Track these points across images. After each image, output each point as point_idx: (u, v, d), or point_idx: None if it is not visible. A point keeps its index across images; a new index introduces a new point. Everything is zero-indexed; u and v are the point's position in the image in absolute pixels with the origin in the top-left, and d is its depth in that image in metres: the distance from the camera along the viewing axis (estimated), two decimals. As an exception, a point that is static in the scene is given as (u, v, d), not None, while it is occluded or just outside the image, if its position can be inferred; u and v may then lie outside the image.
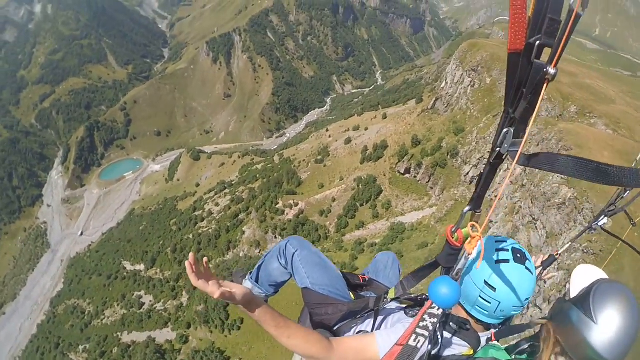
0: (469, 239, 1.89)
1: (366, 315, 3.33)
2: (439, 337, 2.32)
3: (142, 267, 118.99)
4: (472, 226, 1.89)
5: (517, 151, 1.47)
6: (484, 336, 2.70)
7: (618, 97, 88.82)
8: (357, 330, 3.28)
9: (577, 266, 2.53)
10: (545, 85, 1.30)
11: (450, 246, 2.04)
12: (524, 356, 2.41)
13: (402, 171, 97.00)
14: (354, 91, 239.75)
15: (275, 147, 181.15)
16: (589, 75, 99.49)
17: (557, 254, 3.17)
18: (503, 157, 1.60)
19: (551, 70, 1.23)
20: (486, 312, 2.53)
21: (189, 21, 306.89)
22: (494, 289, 2.38)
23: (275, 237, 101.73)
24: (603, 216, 3.22)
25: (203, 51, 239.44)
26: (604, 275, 2.41)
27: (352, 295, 3.83)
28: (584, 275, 2.42)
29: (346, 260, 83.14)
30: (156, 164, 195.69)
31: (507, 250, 2.45)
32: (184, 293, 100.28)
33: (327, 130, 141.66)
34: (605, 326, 1.93)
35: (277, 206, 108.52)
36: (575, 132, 63.59)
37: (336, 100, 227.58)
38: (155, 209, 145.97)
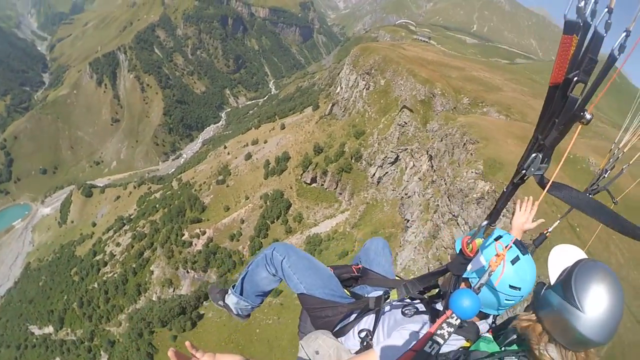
0: (495, 257, 1.98)
1: (367, 314, 3.26)
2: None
3: (50, 329, 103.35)
4: (499, 245, 2.10)
5: (541, 174, 1.63)
6: (480, 325, 2.73)
7: (504, 84, 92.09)
8: (358, 330, 3.19)
9: (554, 247, 2.41)
10: (579, 126, 1.39)
11: (464, 256, 2.07)
12: (514, 346, 2.38)
13: (309, 181, 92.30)
14: (248, 103, 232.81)
15: (173, 170, 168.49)
16: (474, 67, 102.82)
17: (547, 232, 3.03)
18: (525, 178, 1.65)
19: (587, 116, 1.32)
20: (504, 309, 2.61)
21: (71, 41, 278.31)
22: (519, 289, 2.46)
23: (188, 272, 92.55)
24: (587, 194, 2.95)
25: (86, 73, 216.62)
26: (581, 253, 2.34)
27: (348, 292, 3.62)
28: (562, 256, 2.31)
29: None
30: (46, 206, 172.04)
31: (512, 246, 2.51)
32: (101, 352, 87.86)
33: (225, 148, 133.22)
34: (591, 312, 1.92)
35: (183, 238, 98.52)
36: (475, 124, 63.07)
37: (231, 114, 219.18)
38: (52, 259, 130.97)
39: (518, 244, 2.61)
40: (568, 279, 2.07)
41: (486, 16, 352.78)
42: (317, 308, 3.45)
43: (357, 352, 3.14)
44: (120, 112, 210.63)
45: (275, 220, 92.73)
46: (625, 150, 2.81)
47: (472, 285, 2.30)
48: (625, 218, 1.60)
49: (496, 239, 2.60)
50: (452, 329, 2.01)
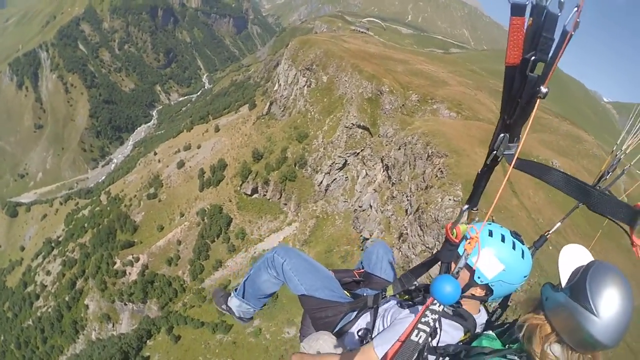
0: (468, 239, 1.97)
1: (366, 312, 3.22)
2: (438, 327, 2.38)
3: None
4: (471, 228, 1.97)
5: (512, 154, 1.58)
6: (478, 318, 2.69)
7: (449, 77, 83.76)
8: (358, 329, 3.17)
9: (563, 247, 2.30)
10: (537, 101, 1.36)
11: (450, 242, 2.03)
12: (517, 344, 2.29)
13: (249, 192, 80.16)
14: (180, 99, 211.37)
15: (103, 178, 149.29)
16: (417, 60, 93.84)
17: (547, 234, 2.94)
18: (498, 160, 1.66)
19: (543, 89, 1.30)
20: (495, 295, 2.63)
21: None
22: (527, 276, 2.54)
23: (125, 305, 79.73)
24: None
25: (5, 76, 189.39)
26: (589, 255, 2.27)
27: (348, 294, 3.61)
28: (571, 257, 2.24)
29: (215, 316, 66.77)
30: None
31: (515, 241, 2.56)
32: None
33: (156, 154, 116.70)
34: (605, 316, 1.87)
35: (115, 267, 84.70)
36: (438, 132, 53.73)
37: (163, 111, 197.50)
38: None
39: (516, 236, 2.62)
40: (582, 282, 1.96)
41: (420, 7, 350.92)
42: (317, 309, 3.35)
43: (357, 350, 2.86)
44: (43, 117, 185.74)
45: (215, 239, 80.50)
46: (627, 152, 2.64)
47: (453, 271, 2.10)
48: (600, 193, 1.50)
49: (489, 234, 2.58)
50: (436, 315, 1.92)
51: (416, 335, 1.94)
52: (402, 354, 1.94)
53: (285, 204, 75.77)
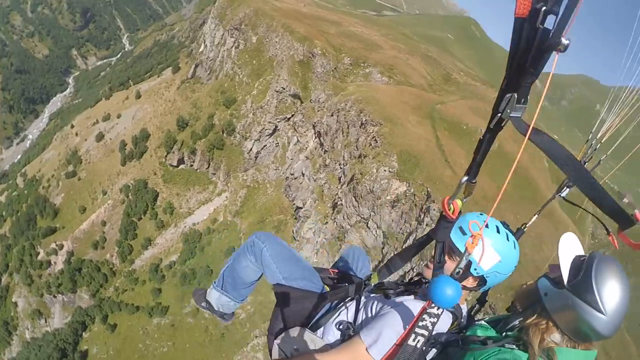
0: (472, 238, 1.81)
1: (346, 304, 2.92)
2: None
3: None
4: (474, 225, 1.95)
5: (518, 116, 1.39)
6: (463, 308, 2.60)
7: (382, 41, 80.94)
8: (338, 321, 2.81)
9: (561, 238, 2.25)
10: (556, 54, 1.18)
11: (446, 219, 1.87)
12: (514, 332, 2.27)
13: (175, 163, 73.96)
14: (99, 63, 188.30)
15: (19, 157, 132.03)
16: (351, 22, 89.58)
17: (524, 227, 2.85)
18: (502, 124, 1.44)
19: (564, 41, 1.12)
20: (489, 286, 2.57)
21: None
22: (516, 266, 2.46)
23: (55, 297, 72.66)
24: (565, 187, 3.10)
25: None
26: (579, 243, 2.25)
27: (327, 288, 3.31)
28: (569, 248, 2.20)
29: (149, 298, 63.39)
30: None
31: (507, 232, 2.45)
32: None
33: (73, 127, 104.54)
34: (611, 313, 1.90)
35: (38, 258, 76.08)
36: (372, 99, 50.84)
37: (80, 78, 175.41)
38: None
39: (507, 226, 2.50)
40: (588, 280, 1.95)
41: None
42: (294, 299, 3.03)
43: (339, 344, 2.63)
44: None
45: (142, 216, 74.49)
46: (602, 142, 2.69)
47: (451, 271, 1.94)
48: (597, 182, 1.39)
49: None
50: (435, 319, 1.86)
51: (413, 340, 1.88)
52: (399, 359, 1.88)
53: (214, 174, 70.78)
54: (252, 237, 3.28)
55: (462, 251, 1.94)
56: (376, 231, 38.84)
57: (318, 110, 57.39)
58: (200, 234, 66.68)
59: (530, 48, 1.18)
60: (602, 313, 1.90)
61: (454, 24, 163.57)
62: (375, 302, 2.71)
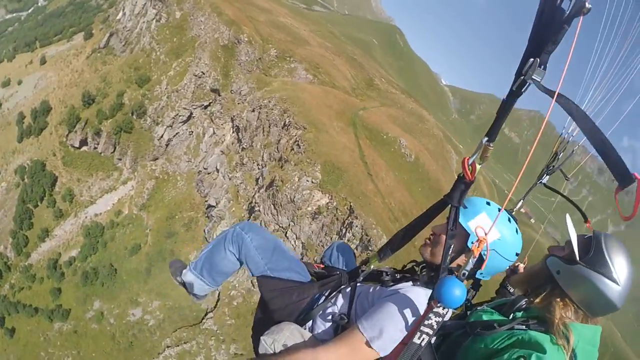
0: (477, 242, 1.84)
1: (339, 294, 2.57)
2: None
3: None
4: (480, 230, 1.86)
5: (540, 80, 1.42)
6: None
7: (310, 37, 75.70)
8: (330, 313, 2.49)
9: (567, 217, 2.24)
10: (580, 20, 1.26)
11: (464, 180, 1.82)
12: (521, 313, 2.12)
13: (77, 144, 63.60)
14: (8, 17, 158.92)
15: None
16: (281, 12, 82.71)
17: (512, 212, 2.68)
18: (523, 88, 1.47)
19: (587, 5, 1.19)
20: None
21: None
22: (518, 255, 2.25)
23: None
24: (545, 174, 3.16)
25: None
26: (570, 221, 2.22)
27: (315, 279, 2.92)
28: (573, 228, 2.13)
29: (48, 299, 54.57)
30: None
31: (510, 217, 2.25)
32: None
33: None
34: (624, 284, 1.90)
35: None
36: (297, 99, 45.55)
37: None
38: None
39: (510, 213, 2.28)
40: (601, 253, 1.92)
41: None
42: (280, 291, 2.63)
43: (333, 337, 2.32)
44: None
45: (39, 203, 63.21)
46: (574, 134, 2.76)
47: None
48: (607, 139, 1.44)
49: (487, 204, 2.22)
50: (440, 319, 1.81)
51: (419, 338, 1.82)
52: (404, 357, 1.82)
53: (120, 159, 61.65)
54: (235, 227, 2.85)
55: (468, 231, 1.99)
56: (295, 242, 35.98)
57: (238, 103, 51.27)
58: (103, 227, 57.87)
59: (552, 20, 1.26)
60: (616, 283, 1.87)
61: (380, 29, 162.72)
62: (372, 291, 2.37)
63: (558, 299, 2.01)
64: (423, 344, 1.82)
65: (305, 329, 2.51)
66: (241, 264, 2.91)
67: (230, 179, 47.37)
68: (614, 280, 1.88)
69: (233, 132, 50.03)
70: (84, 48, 78.49)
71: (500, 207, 2.18)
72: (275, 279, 2.71)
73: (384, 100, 71.30)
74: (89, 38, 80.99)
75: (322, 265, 3.23)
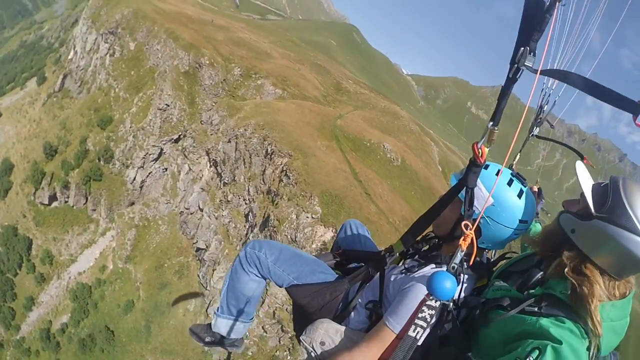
0: (464, 236, 1.68)
1: (369, 281, 2.44)
2: (463, 283, 1.92)
3: None
4: (466, 225, 1.68)
5: (531, 65, 1.43)
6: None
7: (272, 49, 68.48)
8: (363, 303, 2.36)
9: (577, 165, 1.89)
10: (557, 4, 1.31)
11: (476, 163, 1.73)
12: (537, 289, 1.78)
13: (46, 201, 55.43)
14: None
15: None
16: (238, 27, 74.93)
17: (512, 166, 2.63)
18: (518, 75, 1.48)
19: None
20: (506, 243, 2.09)
21: None
22: (526, 222, 1.99)
23: None
24: (535, 127, 3.08)
25: None
26: (584, 168, 1.89)
27: (340, 273, 2.75)
28: (586, 176, 1.82)
29: None
30: None
31: (512, 179, 2.02)
32: None
33: None
34: None
35: None
36: (275, 123, 38.53)
37: None
38: None
39: (518, 176, 2.07)
40: (620, 203, 1.55)
41: None
42: (312, 295, 2.46)
43: (367, 329, 2.25)
44: None
45: (18, 271, 54.62)
46: (553, 88, 2.68)
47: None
48: (603, 86, 1.39)
49: (497, 174, 2.01)
50: (433, 312, 1.71)
51: (413, 331, 1.72)
52: (400, 351, 1.72)
53: (94, 210, 53.59)
54: (245, 249, 2.66)
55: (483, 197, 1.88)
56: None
57: (211, 134, 44.15)
58: (90, 287, 50.04)
59: (536, 11, 1.33)
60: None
61: (336, 30, 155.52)
62: (397, 278, 2.21)
63: (580, 263, 1.62)
64: (419, 336, 1.69)
65: (342, 324, 2.34)
66: (265, 278, 2.67)
67: (216, 217, 40.57)
68: (638, 233, 1.50)
69: (211, 166, 43.06)
70: (39, 94, 69.01)
71: (499, 168, 2.00)
72: (304, 285, 2.51)
73: (355, 103, 65.28)
74: (42, 83, 71.33)
75: (339, 252, 2.91)
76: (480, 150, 1.66)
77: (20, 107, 69.20)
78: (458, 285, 1.68)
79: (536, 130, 3.12)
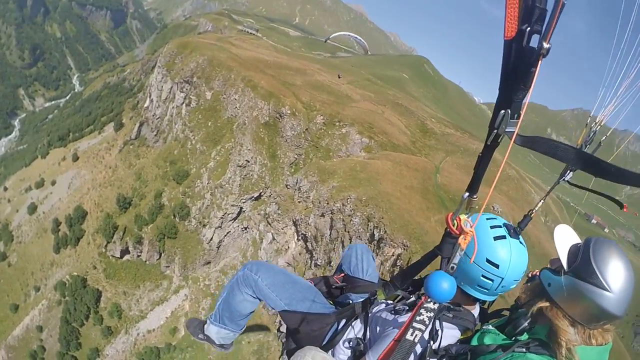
0: (463, 235, 1.62)
1: (355, 321, 2.51)
2: (439, 329, 1.90)
3: None
4: (465, 222, 1.63)
5: (514, 132, 1.32)
6: (475, 313, 2.19)
7: (351, 90, 60.85)
8: (348, 339, 2.44)
9: (555, 229, 1.95)
10: (540, 61, 1.14)
11: (450, 235, 1.67)
12: (525, 335, 1.86)
13: (118, 254, 50.02)
14: (47, 105, 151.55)
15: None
16: (314, 68, 68.59)
17: (531, 213, 2.39)
18: (499, 140, 1.37)
19: (545, 45, 1.10)
20: (487, 290, 2.00)
21: None
22: (496, 265, 1.92)
23: None
24: (568, 171, 2.63)
25: None
26: (574, 233, 1.95)
27: (332, 303, 2.86)
28: (565, 238, 1.89)
29: None
30: None
31: (501, 226, 1.98)
32: None
33: (6, 189, 75.75)
34: (617, 290, 1.62)
35: None
36: (378, 196, 30.59)
37: (27, 120, 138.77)
38: None
39: (509, 227, 2.00)
40: (587, 261, 1.65)
41: (308, 9, 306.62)
42: (302, 323, 2.55)
43: None
44: None
45: (84, 322, 50.01)
46: (601, 125, 2.35)
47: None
48: (606, 162, 1.32)
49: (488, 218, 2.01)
50: (431, 314, 1.69)
51: (411, 335, 1.69)
52: (398, 353, 1.68)
53: (168, 267, 47.80)
54: (244, 270, 2.70)
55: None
56: None
57: (299, 202, 36.60)
58: (159, 351, 43.82)
59: (519, 66, 1.15)
60: (608, 291, 1.59)
61: (407, 63, 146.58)
62: (384, 318, 2.27)
63: (554, 312, 1.73)
64: (416, 340, 1.66)
65: (329, 353, 2.37)
66: (260, 299, 2.70)
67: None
68: (604, 288, 1.59)
69: (299, 239, 35.45)
70: (116, 140, 66.25)
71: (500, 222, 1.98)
72: (294, 312, 2.54)
73: (444, 147, 56.03)
74: (119, 129, 68.81)
75: (342, 275, 2.94)
76: (455, 222, 1.57)
77: (97, 152, 66.67)
78: (456, 288, 1.58)
79: (569, 176, 2.41)
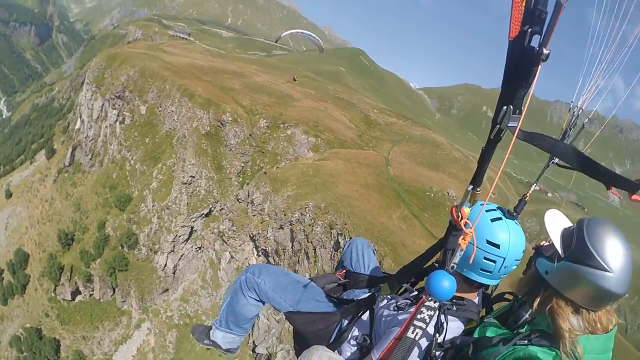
0: (463, 235, 1.60)
1: (360, 317, 2.39)
2: (444, 322, 1.81)
3: None
4: (466, 224, 1.58)
5: (516, 127, 1.33)
6: (476, 301, 2.11)
7: (291, 90, 57.07)
8: (355, 336, 2.32)
9: (545, 215, 1.85)
10: (539, 65, 1.18)
11: (455, 227, 1.64)
12: (525, 327, 1.76)
13: (69, 297, 44.03)
14: None
15: None
16: (251, 70, 63.70)
17: (525, 197, 2.27)
18: (501, 135, 1.38)
19: (545, 51, 1.14)
20: (490, 273, 1.91)
21: None
22: (497, 245, 1.85)
23: None
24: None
25: None
26: (565, 217, 1.86)
27: (336, 301, 2.66)
28: (556, 223, 1.81)
29: None
30: None
31: (495, 209, 1.93)
32: None
33: None
34: (616, 268, 1.55)
35: None
36: (339, 202, 27.51)
37: None
38: None
39: (503, 210, 1.95)
40: (582, 243, 1.57)
41: (240, 9, 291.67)
42: (307, 323, 2.47)
43: (359, 356, 2.27)
44: None
45: (48, 378, 43.11)
46: (583, 109, 2.33)
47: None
48: (597, 163, 1.35)
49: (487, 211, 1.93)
50: (432, 312, 1.67)
51: (412, 332, 1.66)
52: (399, 352, 1.65)
53: (124, 301, 42.68)
54: (246, 273, 2.61)
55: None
56: None
57: (254, 215, 33.13)
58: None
59: (521, 64, 1.18)
60: (608, 271, 1.52)
61: (343, 56, 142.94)
62: (388, 314, 2.15)
63: (555, 301, 1.63)
64: (417, 337, 1.63)
65: (336, 351, 2.28)
66: (263, 302, 2.63)
67: (277, 321, 29.51)
68: (604, 269, 1.52)
69: (259, 255, 32.09)
70: (49, 169, 58.11)
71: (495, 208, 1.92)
72: (299, 313, 2.49)
73: (390, 136, 54.52)
74: (51, 156, 60.30)
75: (343, 272, 2.82)
76: (459, 214, 1.56)
77: (31, 185, 58.38)
78: (456, 287, 1.56)
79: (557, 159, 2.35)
